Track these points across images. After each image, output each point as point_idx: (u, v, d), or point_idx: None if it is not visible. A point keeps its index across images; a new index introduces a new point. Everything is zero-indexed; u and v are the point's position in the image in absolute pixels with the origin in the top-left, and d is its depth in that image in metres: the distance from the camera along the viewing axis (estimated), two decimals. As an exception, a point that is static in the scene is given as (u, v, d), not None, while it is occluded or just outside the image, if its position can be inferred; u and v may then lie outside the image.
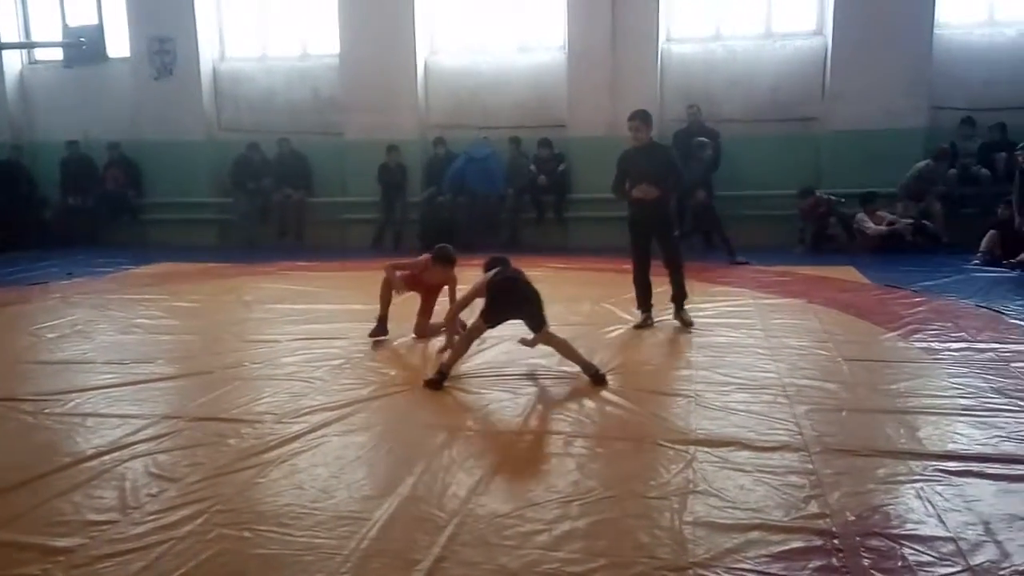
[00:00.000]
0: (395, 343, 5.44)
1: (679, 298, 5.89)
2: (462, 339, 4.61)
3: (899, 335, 5.38)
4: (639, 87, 10.22)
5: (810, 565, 2.50)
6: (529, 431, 3.74)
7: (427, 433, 3.72)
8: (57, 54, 12.04)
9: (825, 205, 9.44)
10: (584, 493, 3.06)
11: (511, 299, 4.52)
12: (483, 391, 4.31)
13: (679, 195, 6.21)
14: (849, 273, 7.89)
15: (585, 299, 6.74)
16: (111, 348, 5.46)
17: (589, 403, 4.12)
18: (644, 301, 5.92)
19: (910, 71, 9.70)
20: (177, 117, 11.55)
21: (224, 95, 11.76)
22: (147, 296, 7.37)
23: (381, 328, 5.49)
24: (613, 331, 5.66)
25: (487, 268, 4.78)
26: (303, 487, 3.14)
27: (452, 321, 4.96)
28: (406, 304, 5.60)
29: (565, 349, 4.55)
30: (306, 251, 10.37)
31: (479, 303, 4.65)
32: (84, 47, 11.61)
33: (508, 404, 4.10)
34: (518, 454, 3.49)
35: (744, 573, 2.46)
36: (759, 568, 2.48)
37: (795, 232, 9.84)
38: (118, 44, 11.71)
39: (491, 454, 3.43)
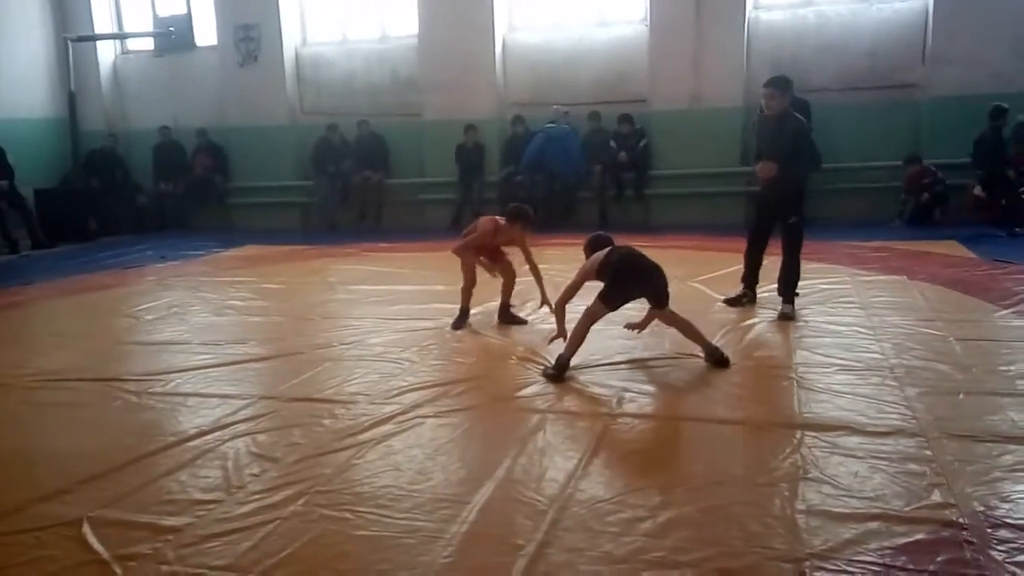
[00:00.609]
0: (480, 323, 5.40)
1: (787, 287, 5.37)
2: (580, 327, 4.23)
3: (1014, 313, 5.06)
4: (724, 58, 9.93)
5: (939, 558, 2.34)
6: (626, 414, 3.63)
7: (520, 416, 3.66)
8: (148, 44, 12.41)
9: (930, 176, 8.97)
10: (688, 478, 2.95)
11: (639, 276, 4.27)
12: (579, 374, 4.22)
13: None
14: (952, 247, 7.49)
15: (672, 278, 6.53)
16: (206, 329, 5.59)
17: (686, 386, 4.00)
18: (748, 276, 5.64)
19: (1017, 32, 9.10)
20: (261, 102, 11.77)
21: (306, 80, 11.91)
22: (237, 278, 7.54)
23: (463, 319, 5.31)
24: (704, 311, 5.48)
25: (592, 248, 4.48)
26: (400, 468, 3.12)
27: (563, 308, 4.44)
28: (485, 286, 5.48)
29: (687, 328, 4.35)
30: (385, 233, 10.45)
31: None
32: (173, 36, 11.92)
33: (603, 387, 4.00)
34: (616, 438, 3.39)
35: (867, 566, 2.32)
36: (883, 561, 2.33)
37: (891, 205, 9.40)
38: (206, 32, 11.98)
39: (588, 438, 3.34)
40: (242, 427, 3.61)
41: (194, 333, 5.47)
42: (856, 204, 9.66)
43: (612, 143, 10.14)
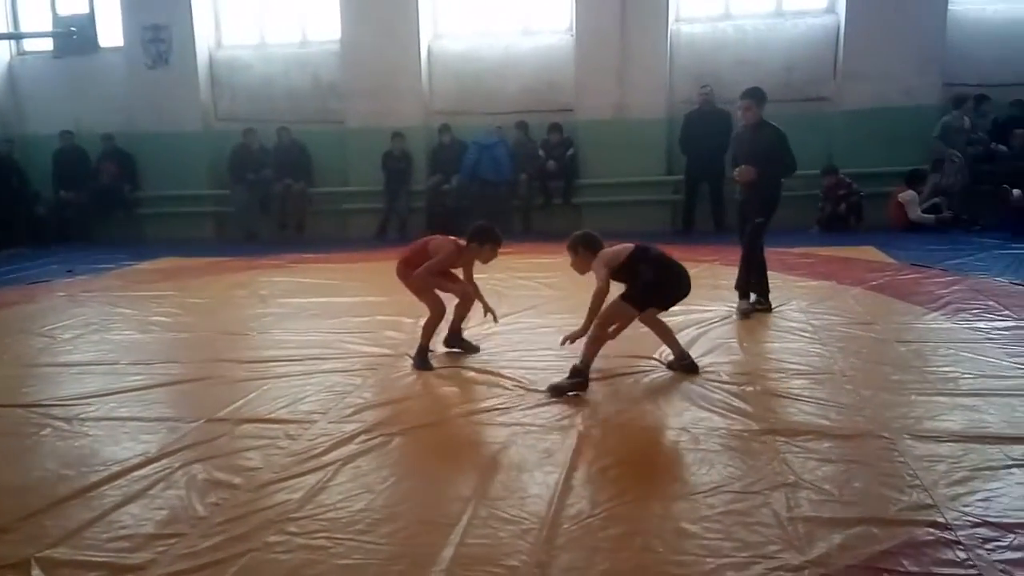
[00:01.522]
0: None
1: (743, 286, 5.63)
2: (600, 332, 4.06)
3: (943, 315, 5.28)
4: (649, 69, 10.10)
5: (933, 559, 2.37)
6: (595, 425, 3.57)
7: (488, 431, 3.56)
8: (47, 44, 11.69)
9: (845, 186, 9.34)
10: (673, 489, 2.92)
11: (680, 280, 4.17)
12: (538, 386, 4.14)
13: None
14: (871, 253, 7.80)
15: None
16: (133, 348, 5.26)
17: (651, 394, 3.98)
18: (738, 285, 5.70)
19: (923, 49, 9.61)
20: (173, 107, 11.27)
21: (221, 84, 11.47)
22: (157, 293, 7.15)
23: (426, 358, 4.53)
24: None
25: (586, 247, 4.24)
26: (373, 490, 2.97)
27: (594, 321, 4.11)
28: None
29: (665, 332, 4.31)
30: (308, 243, 10.14)
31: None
32: (75, 37, 11.27)
33: (566, 398, 3.94)
34: (590, 450, 3.31)
35: (866, 572, 2.33)
36: (880, 565, 2.35)
37: (808, 212, 9.73)
38: (111, 33, 11.38)
39: (562, 451, 3.27)
40: (192, 452, 3.37)
41: (120, 352, 5.13)
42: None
43: (541, 152, 10.15)
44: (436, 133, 10.55)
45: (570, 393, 3.91)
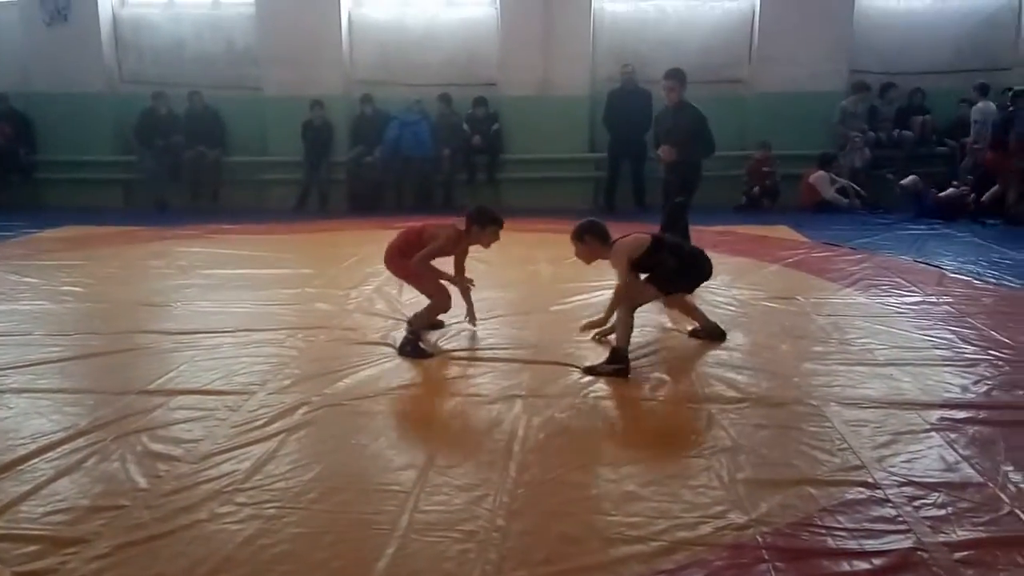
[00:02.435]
0: (367, 303, 5.20)
1: None
2: (627, 316, 3.98)
3: (856, 290, 5.57)
4: (572, 46, 10.13)
5: (870, 515, 2.53)
6: (540, 395, 3.61)
7: (434, 401, 3.58)
8: (-70, -4, 10.84)
9: (770, 164, 9.67)
10: (620, 456, 3.01)
11: (706, 266, 4.34)
12: (471, 360, 4.17)
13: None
14: (785, 232, 8.12)
15: (540, 260, 6.64)
16: (45, 319, 4.99)
17: (568, 367, 4.06)
18: None
19: (832, 36, 10.00)
20: (73, 67, 10.60)
21: (126, 44, 10.89)
22: (65, 262, 6.78)
23: (420, 348, 4.21)
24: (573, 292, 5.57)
25: (594, 237, 4.15)
26: (321, 461, 2.94)
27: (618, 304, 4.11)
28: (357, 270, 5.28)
29: (691, 307, 4.50)
30: (224, 214, 9.76)
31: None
32: (-37, -12, 10.49)
33: (508, 372, 3.98)
34: (536, 420, 3.34)
35: (808, 528, 2.46)
36: (822, 523, 2.49)
37: (726, 191, 10.02)
38: (4, -14, 10.64)
39: (508, 420, 3.30)
40: (125, 424, 3.26)
41: (32, 323, 4.86)
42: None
43: (465, 126, 10.09)
44: (358, 103, 10.34)
45: (615, 375, 3.83)
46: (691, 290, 4.48)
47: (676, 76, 5.83)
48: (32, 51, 10.67)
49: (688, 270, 4.26)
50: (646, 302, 4.28)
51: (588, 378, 3.80)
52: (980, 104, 9.35)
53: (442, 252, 4.43)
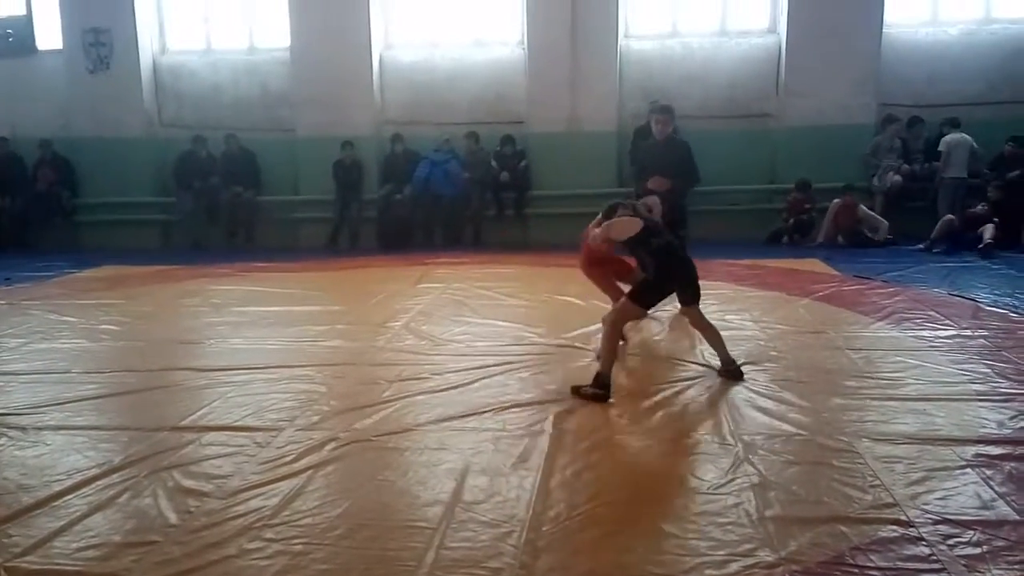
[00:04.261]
0: (396, 339, 5.25)
1: None
2: (611, 338, 4.05)
3: (888, 324, 5.49)
4: (599, 83, 10.26)
5: (903, 553, 2.48)
6: (566, 431, 3.61)
7: (457, 436, 3.57)
8: (-19, 46, 11.30)
9: (812, 202, 9.63)
10: (648, 492, 2.99)
11: (684, 266, 4.20)
12: (499, 397, 4.18)
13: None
14: (816, 265, 8.06)
15: (569, 294, 6.63)
16: (83, 357, 5.11)
17: (614, 402, 4.04)
18: None
19: (860, 69, 10.00)
20: (114, 113, 11.00)
21: (165, 90, 11.25)
22: (103, 301, 6.95)
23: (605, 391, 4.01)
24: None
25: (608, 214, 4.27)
26: (348, 496, 2.96)
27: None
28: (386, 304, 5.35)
29: (713, 335, 4.37)
30: (257, 252, 9.98)
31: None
32: (11, 39, 10.94)
33: (533, 405, 3.98)
34: (562, 454, 3.34)
35: (839, 568, 2.41)
36: (853, 561, 2.44)
37: (752, 227, 10.01)
38: (49, 35, 11.08)
39: (534, 456, 3.30)
40: (158, 461, 3.30)
41: (70, 361, 4.97)
42: (716, 225, 10.09)
43: (493, 162, 10.22)
44: (388, 142, 10.54)
45: (593, 400, 3.91)
46: (651, 305, 4.29)
47: (668, 111, 6.27)
48: (75, 97, 11.07)
49: (664, 276, 4.16)
50: (628, 318, 4.28)
51: (616, 414, 3.79)
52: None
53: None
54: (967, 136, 9.40)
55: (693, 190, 6.73)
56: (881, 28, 9.98)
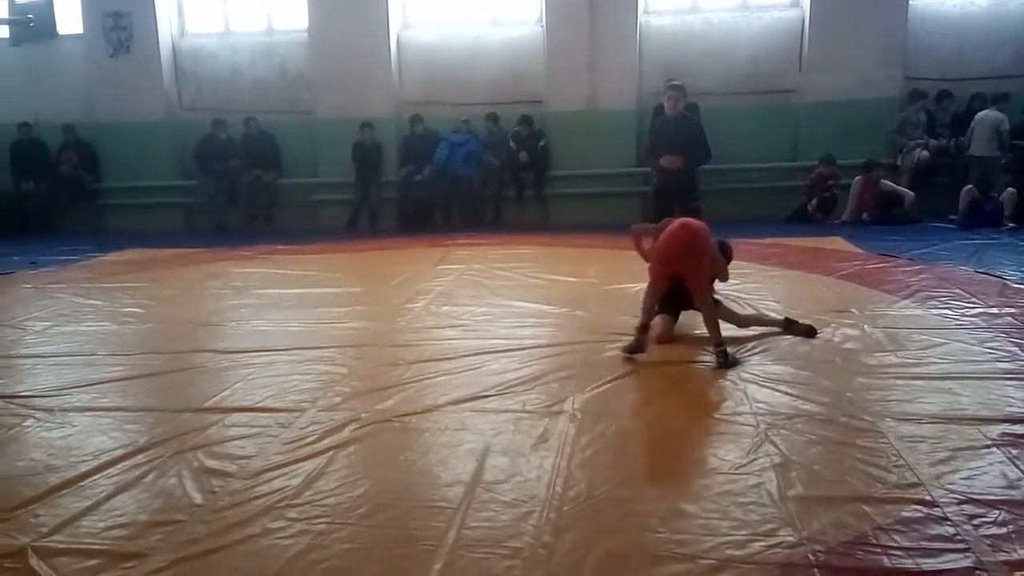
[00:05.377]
0: (416, 320, 5.26)
1: None
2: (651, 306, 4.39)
3: (913, 302, 5.42)
4: (618, 60, 10.14)
5: (927, 533, 2.46)
6: (586, 412, 3.60)
7: (478, 417, 3.58)
8: (3, 32, 11.35)
9: (836, 178, 9.51)
10: (669, 473, 2.99)
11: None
12: (519, 378, 4.18)
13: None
14: (838, 243, 7.96)
15: (590, 275, 6.62)
16: (109, 339, 5.16)
17: (637, 384, 4.03)
18: None
19: (885, 42, 9.81)
20: (135, 97, 11.02)
21: (185, 73, 11.27)
22: (127, 284, 7.01)
23: (640, 343, 4.28)
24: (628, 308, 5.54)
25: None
26: (370, 476, 2.98)
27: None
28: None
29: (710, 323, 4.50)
30: (278, 234, 10.02)
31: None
32: (32, 24, 10.98)
33: (553, 387, 3.97)
34: (582, 436, 3.34)
35: (863, 547, 2.40)
36: (876, 541, 2.43)
37: (774, 204, 9.91)
38: (70, 20, 11.10)
39: (554, 437, 3.30)
40: (182, 442, 3.34)
41: (96, 343, 5.03)
42: (737, 203, 9.97)
43: (512, 143, 10.16)
44: (407, 123, 10.51)
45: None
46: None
47: (680, 88, 6.29)
48: (96, 82, 11.12)
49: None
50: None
51: (635, 394, 3.79)
52: None
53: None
54: (998, 113, 9.18)
55: (703, 167, 6.90)
56: (907, 0, 9.76)
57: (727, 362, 4.12)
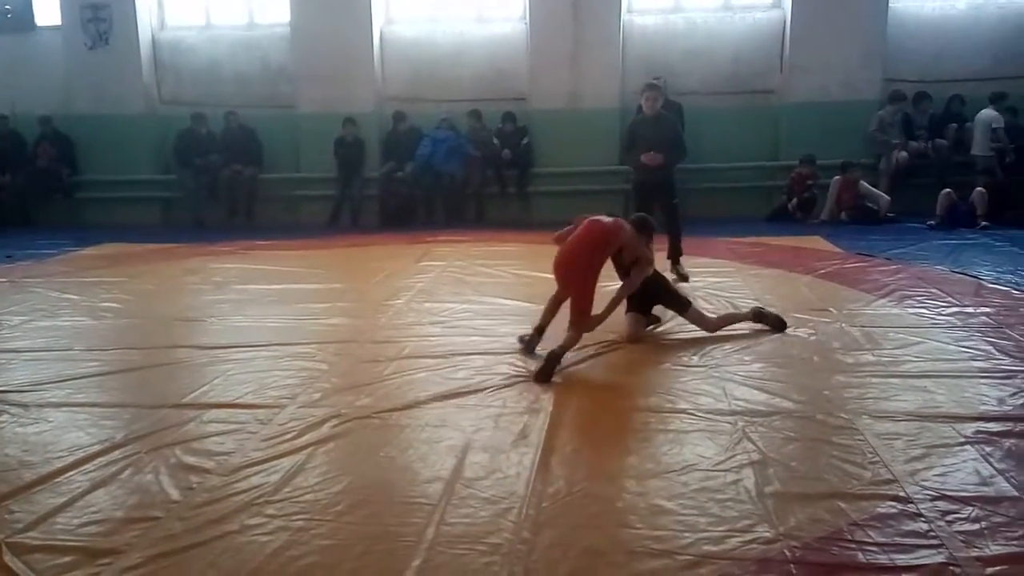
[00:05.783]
0: (397, 317, 5.25)
1: (675, 255, 6.39)
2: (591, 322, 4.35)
3: (890, 301, 5.48)
4: (601, 59, 10.15)
5: (901, 529, 2.49)
6: (566, 407, 3.62)
7: (458, 414, 3.58)
8: (-21, 23, 11.21)
9: (814, 178, 9.58)
10: (646, 468, 2.99)
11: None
12: (499, 374, 4.18)
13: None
14: (818, 242, 8.02)
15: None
16: (85, 334, 5.11)
17: (617, 379, 4.05)
18: (671, 255, 6.37)
19: (865, 44, 9.89)
20: (114, 89, 10.90)
21: (165, 66, 11.16)
22: (105, 279, 6.94)
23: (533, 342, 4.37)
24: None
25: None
26: (349, 473, 2.98)
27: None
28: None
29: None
30: (258, 230, 9.94)
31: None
32: (9, 15, 10.85)
33: (534, 384, 3.98)
34: (561, 432, 3.36)
35: (838, 543, 2.43)
36: (852, 537, 2.45)
37: (755, 204, 9.98)
38: (48, 12, 10.98)
39: (533, 433, 3.31)
40: (159, 438, 3.32)
41: (72, 339, 4.98)
42: (718, 201, 10.05)
43: (495, 140, 10.15)
44: (389, 119, 10.47)
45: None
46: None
47: (655, 88, 6.39)
48: (74, 74, 10.99)
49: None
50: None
51: (615, 392, 3.80)
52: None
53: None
54: (992, 112, 9.29)
55: (683, 165, 7.01)
56: (887, 3, 9.85)
57: (544, 374, 3.92)
